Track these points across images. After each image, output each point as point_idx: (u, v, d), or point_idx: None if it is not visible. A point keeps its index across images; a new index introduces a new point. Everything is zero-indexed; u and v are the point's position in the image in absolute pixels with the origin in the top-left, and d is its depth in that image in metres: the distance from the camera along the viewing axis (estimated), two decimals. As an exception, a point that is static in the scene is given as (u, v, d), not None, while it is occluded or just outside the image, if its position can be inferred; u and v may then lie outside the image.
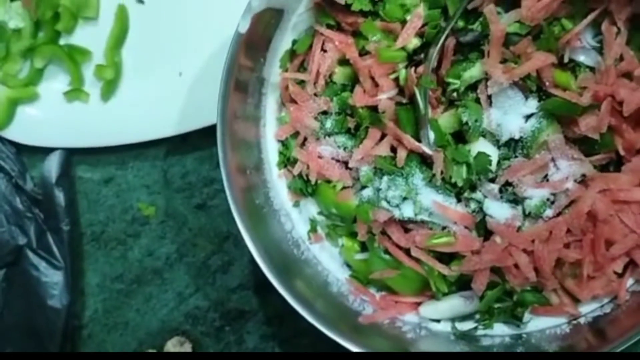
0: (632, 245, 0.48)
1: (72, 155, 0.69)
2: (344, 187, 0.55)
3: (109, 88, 0.67)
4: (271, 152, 0.59)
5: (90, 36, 0.67)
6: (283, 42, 0.56)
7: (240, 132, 0.56)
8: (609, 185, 0.48)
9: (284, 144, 0.58)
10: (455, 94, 0.51)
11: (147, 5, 0.66)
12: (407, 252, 0.53)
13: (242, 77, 0.54)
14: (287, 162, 0.58)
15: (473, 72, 0.50)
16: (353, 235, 0.56)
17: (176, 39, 0.65)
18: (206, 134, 0.64)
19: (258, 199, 0.57)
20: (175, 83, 0.65)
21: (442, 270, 0.51)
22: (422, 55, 0.52)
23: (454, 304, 0.52)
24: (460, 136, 0.52)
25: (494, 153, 0.50)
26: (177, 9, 0.65)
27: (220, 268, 0.68)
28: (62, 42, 0.68)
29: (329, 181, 0.56)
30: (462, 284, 0.52)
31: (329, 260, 0.57)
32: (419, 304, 0.54)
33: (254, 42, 0.53)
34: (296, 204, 0.58)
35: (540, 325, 0.52)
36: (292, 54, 0.56)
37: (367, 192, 0.54)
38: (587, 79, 0.48)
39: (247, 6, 0.51)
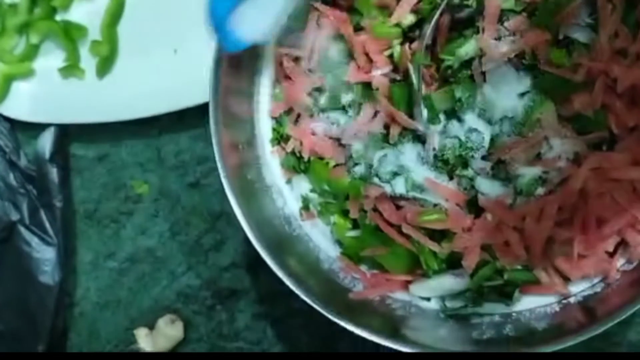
0: (624, 224, 0.48)
1: (66, 132, 0.69)
2: (336, 165, 0.55)
3: (105, 64, 0.66)
4: (264, 128, 0.58)
5: (86, 13, 0.67)
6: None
7: (233, 108, 0.56)
8: (602, 164, 0.48)
9: (278, 120, 0.58)
10: (449, 71, 0.51)
11: (143, -18, 0.66)
12: (398, 229, 0.52)
13: (234, 53, 0.53)
14: (280, 139, 0.58)
15: (467, 48, 0.49)
16: (345, 212, 0.56)
17: (172, 16, 0.65)
18: (201, 112, 0.63)
19: (250, 175, 0.56)
20: (171, 60, 0.65)
21: (433, 247, 0.51)
22: (417, 32, 0.52)
23: (444, 282, 0.52)
24: (454, 113, 0.51)
25: (486, 130, 0.50)
26: None
27: (212, 247, 0.67)
28: (58, 18, 0.67)
29: (321, 158, 0.56)
30: (452, 261, 0.52)
31: (321, 237, 0.57)
32: (409, 282, 0.54)
33: None
34: (288, 181, 0.58)
35: (530, 304, 0.51)
36: (287, 29, 0.55)
37: (360, 169, 0.54)
38: (581, 56, 0.48)
39: None
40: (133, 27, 0.66)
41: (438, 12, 0.50)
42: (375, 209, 0.53)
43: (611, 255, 0.50)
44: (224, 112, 0.54)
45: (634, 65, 0.47)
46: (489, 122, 0.50)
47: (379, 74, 0.52)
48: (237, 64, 0.55)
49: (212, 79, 0.53)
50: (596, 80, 0.47)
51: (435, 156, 0.51)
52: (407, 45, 0.51)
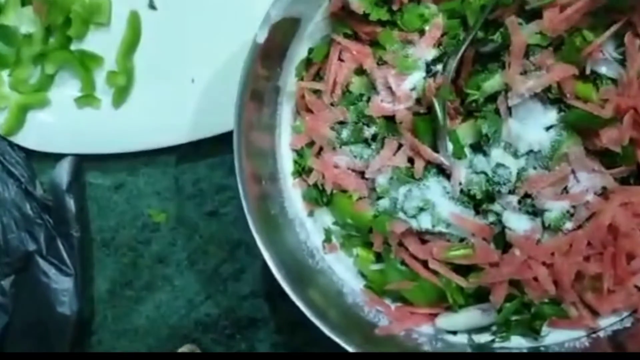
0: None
1: (83, 161, 0.68)
2: (360, 198, 0.54)
3: (121, 94, 0.65)
4: (286, 161, 0.58)
5: (102, 42, 0.66)
6: (299, 51, 0.55)
7: (256, 141, 0.55)
8: (630, 199, 0.47)
9: (299, 153, 0.57)
10: (474, 105, 0.50)
11: (159, 11, 0.65)
12: (424, 263, 0.52)
13: (258, 87, 0.53)
14: (302, 171, 0.57)
15: (493, 83, 0.49)
16: (368, 245, 0.55)
17: (189, 46, 0.64)
18: (218, 141, 0.63)
19: (273, 208, 0.56)
20: (188, 90, 0.64)
21: (460, 282, 0.50)
22: (440, 66, 0.51)
23: (471, 316, 0.51)
24: (479, 147, 0.51)
25: (513, 164, 0.49)
26: (189, 15, 0.64)
27: (231, 276, 0.66)
28: (73, 47, 0.66)
29: (344, 191, 0.55)
30: (479, 295, 0.51)
31: (344, 270, 0.56)
32: (435, 315, 0.53)
33: (271, 52, 0.52)
34: (311, 214, 0.57)
35: (559, 338, 0.51)
36: (308, 62, 0.55)
37: (384, 203, 0.53)
38: (609, 91, 0.47)
39: (265, 16, 0.50)
40: (150, 56, 0.65)
41: (463, 47, 0.49)
42: (400, 243, 0.52)
43: (641, 290, 0.50)
44: (246, 145, 0.53)
45: None
46: (515, 155, 0.50)
47: (402, 108, 0.51)
48: (259, 97, 0.54)
49: (236, 114, 0.52)
50: (624, 115, 0.47)
51: (461, 191, 0.51)
52: (431, 79, 0.51)
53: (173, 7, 0.64)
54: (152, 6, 0.65)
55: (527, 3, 0.48)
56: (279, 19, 0.50)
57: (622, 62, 0.48)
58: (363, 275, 0.56)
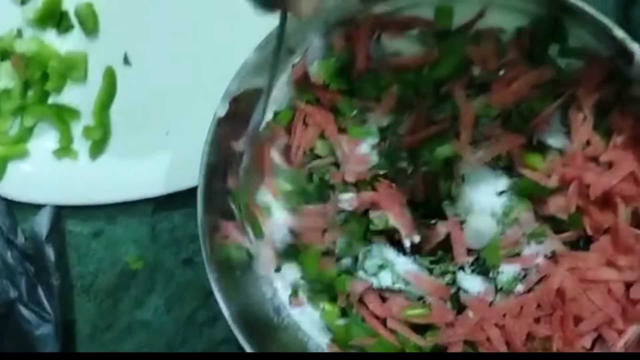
0: (600, 322, 0.48)
1: (62, 210, 0.69)
2: (325, 253, 0.55)
3: (97, 147, 0.67)
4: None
5: (79, 96, 0.67)
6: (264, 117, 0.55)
7: (222, 202, 0.56)
8: (577, 264, 0.49)
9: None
10: (426, 168, 0.52)
11: (134, 66, 0.66)
12: (384, 321, 0.53)
13: (223, 154, 0.55)
14: None
15: (444, 150, 0.50)
16: (334, 299, 0.56)
17: (163, 100, 0.65)
18: (193, 192, 0.64)
19: (238, 270, 0.57)
20: (163, 143, 0.65)
21: (417, 341, 0.51)
22: (393, 130, 0.52)
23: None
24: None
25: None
26: (163, 70, 0.65)
27: (206, 322, 0.68)
28: (51, 101, 0.68)
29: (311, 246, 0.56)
30: (437, 351, 0.52)
31: (310, 324, 0.57)
32: (397, 369, 0.55)
33: (234, 121, 0.53)
34: (278, 269, 0.58)
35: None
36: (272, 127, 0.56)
37: (346, 262, 0.54)
38: (555, 162, 0.49)
39: (225, 92, 0.52)
40: (126, 110, 0.66)
41: (414, 113, 0.51)
42: (361, 301, 0.54)
43: (589, 350, 0.50)
44: (212, 206, 0.55)
45: (605, 172, 0.48)
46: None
47: (359, 171, 0.52)
48: (225, 163, 0.55)
49: (200, 186, 0.54)
50: (570, 185, 0.48)
51: (418, 251, 0.52)
52: (382, 144, 0.52)
53: (148, 63, 0.66)
54: (127, 62, 0.67)
55: (477, 78, 0.50)
56: (240, 92, 0.52)
57: (568, 134, 0.49)
58: (329, 330, 0.57)
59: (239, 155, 0.56)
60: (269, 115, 0.55)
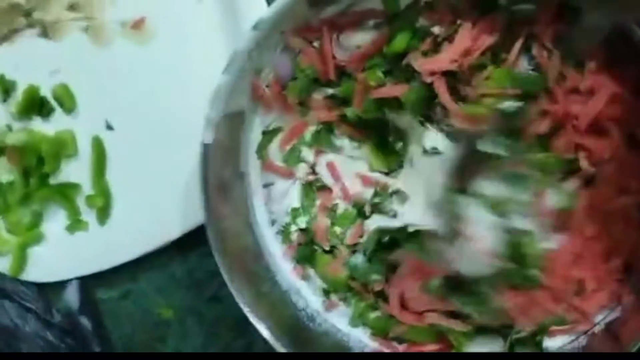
0: (628, 253, 0.47)
1: (88, 280, 0.69)
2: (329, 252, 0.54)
3: (103, 213, 0.66)
4: (268, 237, 0.57)
5: (75, 170, 0.67)
6: (253, 135, 0.55)
7: (232, 229, 0.55)
8: (592, 200, 0.47)
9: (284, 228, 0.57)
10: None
11: (117, 129, 0.66)
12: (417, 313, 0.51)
13: (220, 181, 0.53)
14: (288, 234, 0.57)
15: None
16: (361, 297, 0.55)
17: (155, 152, 0.65)
18: (202, 230, 0.65)
19: (264, 286, 0.55)
20: (161, 191, 0.65)
21: (458, 327, 0.50)
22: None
23: (477, 349, 0.50)
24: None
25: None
26: (144, 125, 0.65)
27: (245, 348, 0.67)
28: (51, 181, 0.68)
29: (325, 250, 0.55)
30: (480, 329, 0.50)
31: (347, 324, 0.55)
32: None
33: (222, 146, 0.52)
34: (305, 277, 0.56)
35: (558, 344, 0.50)
36: (265, 142, 0.55)
37: (354, 260, 0.53)
38: (537, 105, 0.47)
39: (205, 119, 0.50)
40: (121, 170, 0.67)
41: None
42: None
43: (621, 280, 0.49)
44: (223, 240, 0.54)
45: (589, 100, 0.46)
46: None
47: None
48: (224, 189, 0.54)
49: (205, 215, 0.53)
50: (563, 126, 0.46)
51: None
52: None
53: (128, 123, 0.66)
54: (109, 127, 0.67)
55: (438, 35, 0.49)
56: (221, 117, 0.50)
57: (536, 78, 0.48)
58: (366, 325, 0.55)
59: (239, 176, 0.55)
60: (257, 135, 0.55)
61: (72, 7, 0.66)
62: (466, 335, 0.50)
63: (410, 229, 0.51)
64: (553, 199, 0.48)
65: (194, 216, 0.64)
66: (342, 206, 0.54)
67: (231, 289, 0.52)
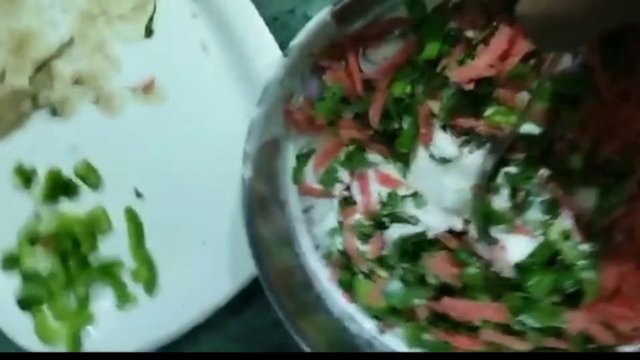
0: None
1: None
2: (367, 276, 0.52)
3: (150, 284, 0.64)
4: (313, 262, 0.56)
5: (113, 244, 0.65)
6: (288, 162, 0.54)
7: (281, 269, 0.53)
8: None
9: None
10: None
11: (147, 196, 0.64)
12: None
13: (263, 210, 0.52)
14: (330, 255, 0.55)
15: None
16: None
17: (190, 211, 0.63)
18: (255, 283, 0.62)
19: (318, 315, 0.53)
20: (207, 250, 0.63)
21: (515, 345, 0.47)
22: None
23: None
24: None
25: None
26: (173, 189, 0.63)
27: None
28: (91, 260, 0.66)
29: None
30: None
31: (403, 345, 0.53)
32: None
33: (261, 179, 0.51)
34: (355, 300, 0.54)
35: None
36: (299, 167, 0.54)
37: (393, 287, 0.51)
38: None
39: (243, 154, 0.49)
40: (160, 238, 0.65)
41: None
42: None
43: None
44: (275, 283, 0.52)
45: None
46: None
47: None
48: (267, 214, 0.52)
49: (255, 262, 0.52)
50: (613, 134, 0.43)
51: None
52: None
53: (158, 187, 0.64)
54: (139, 195, 0.65)
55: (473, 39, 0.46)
56: (257, 150, 0.48)
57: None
58: (424, 346, 0.53)
59: (279, 206, 0.53)
60: (292, 160, 0.53)
61: (77, 82, 0.64)
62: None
63: (432, 234, 0.50)
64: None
65: (244, 269, 0.61)
66: (363, 222, 0.52)
67: (295, 336, 0.51)
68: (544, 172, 0.47)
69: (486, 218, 0.48)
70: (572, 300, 0.46)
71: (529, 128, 0.46)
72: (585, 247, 0.46)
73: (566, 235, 0.47)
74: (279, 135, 0.50)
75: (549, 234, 0.47)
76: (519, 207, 0.48)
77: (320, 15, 0.44)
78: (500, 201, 0.49)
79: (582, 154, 0.46)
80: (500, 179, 0.48)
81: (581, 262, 0.45)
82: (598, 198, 0.46)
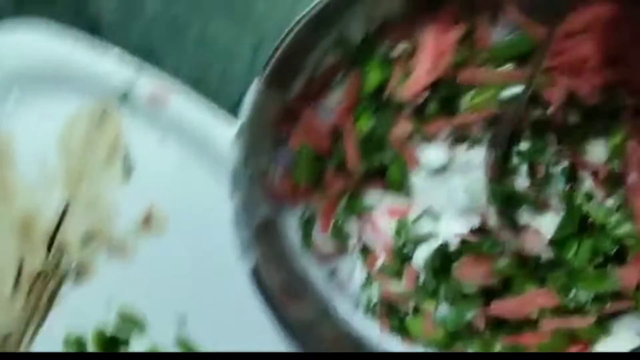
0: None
1: None
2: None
3: None
4: (358, 322, 0.53)
5: None
6: (291, 238, 0.52)
7: (329, 340, 0.52)
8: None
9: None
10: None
11: (190, 322, 0.64)
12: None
13: (285, 296, 0.50)
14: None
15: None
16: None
17: (234, 332, 0.60)
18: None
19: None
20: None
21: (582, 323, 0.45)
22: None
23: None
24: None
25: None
26: (222, 309, 0.62)
27: None
28: None
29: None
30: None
31: None
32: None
33: (269, 266, 0.50)
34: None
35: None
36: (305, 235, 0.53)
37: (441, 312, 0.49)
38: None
39: (239, 245, 0.48)
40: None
41: None
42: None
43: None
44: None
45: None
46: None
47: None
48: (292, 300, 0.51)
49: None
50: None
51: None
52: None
53: (199, 312, 0.63)
54: (182, 322, 0.66)
55: None
56: (252, 236, 0.48)
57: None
58: None
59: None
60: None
61: (84, 243, 0.65)
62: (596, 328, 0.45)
63: (455, 240, 0.49)
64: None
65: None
66: (387, 263, 0.51)
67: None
68: (553, 138, 0.46)
69: (507, 202, 0.47)
70: (617, 259, 0.43)
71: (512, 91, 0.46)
72: (611, 202, 0.43)
73: (589, 196, 0.44)
74: (270, 216, 0.49)
75: (573, 201, 0.44)
76: (541, 183, 0.46)
77: (253, 87, 0.44)
78: (519, 181, 0.48)
79: (568, 104, 0.44)
80: (515, 159, 0.46)
81: (613, 219, 0.42)
82: (605, 145, 0.44)
